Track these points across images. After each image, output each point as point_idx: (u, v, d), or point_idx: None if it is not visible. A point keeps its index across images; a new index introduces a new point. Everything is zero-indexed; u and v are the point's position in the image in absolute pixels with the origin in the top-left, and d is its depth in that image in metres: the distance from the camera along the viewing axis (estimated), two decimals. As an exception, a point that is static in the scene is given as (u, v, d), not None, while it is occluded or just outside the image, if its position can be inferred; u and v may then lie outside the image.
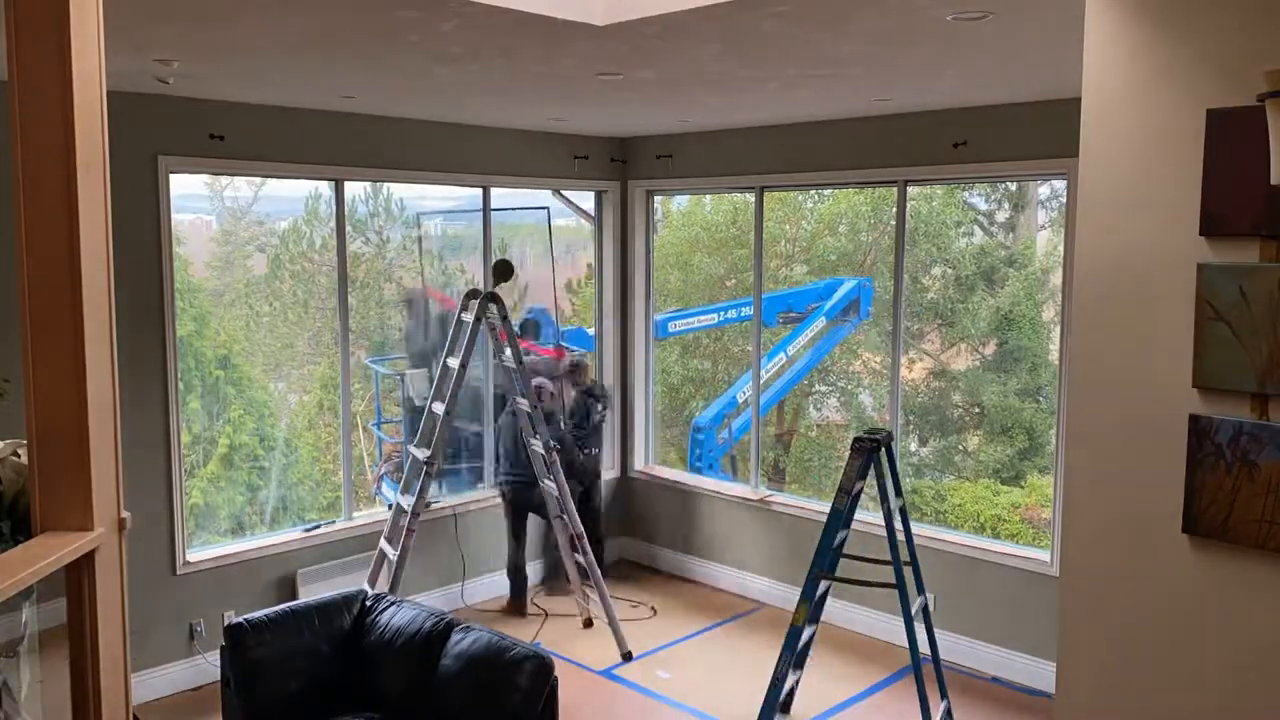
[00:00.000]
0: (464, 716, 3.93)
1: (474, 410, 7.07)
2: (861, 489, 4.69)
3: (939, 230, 9.81)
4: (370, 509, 6.92)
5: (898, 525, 4.66)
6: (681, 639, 6.15)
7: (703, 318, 9.13)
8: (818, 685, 5.53)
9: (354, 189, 10.41)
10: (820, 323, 9.12)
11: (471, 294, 5.86)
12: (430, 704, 4.01)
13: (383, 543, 5.83)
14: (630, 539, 7.58)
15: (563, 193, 7.41)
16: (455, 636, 4.10)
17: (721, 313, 9.20)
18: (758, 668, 5.76)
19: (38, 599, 2.08)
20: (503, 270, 6.21)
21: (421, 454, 5.70)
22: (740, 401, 8.79)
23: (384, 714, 4.10)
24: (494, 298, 5.72)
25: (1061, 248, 6.12)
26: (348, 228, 6.27)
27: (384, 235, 11.68)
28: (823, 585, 4.76)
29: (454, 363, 5.71)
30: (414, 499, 5.57)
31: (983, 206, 10.64)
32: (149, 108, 5.07)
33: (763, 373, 7.17)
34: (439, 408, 5.69)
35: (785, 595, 6.59)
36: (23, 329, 1.84)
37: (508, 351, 5.83)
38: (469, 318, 5.78)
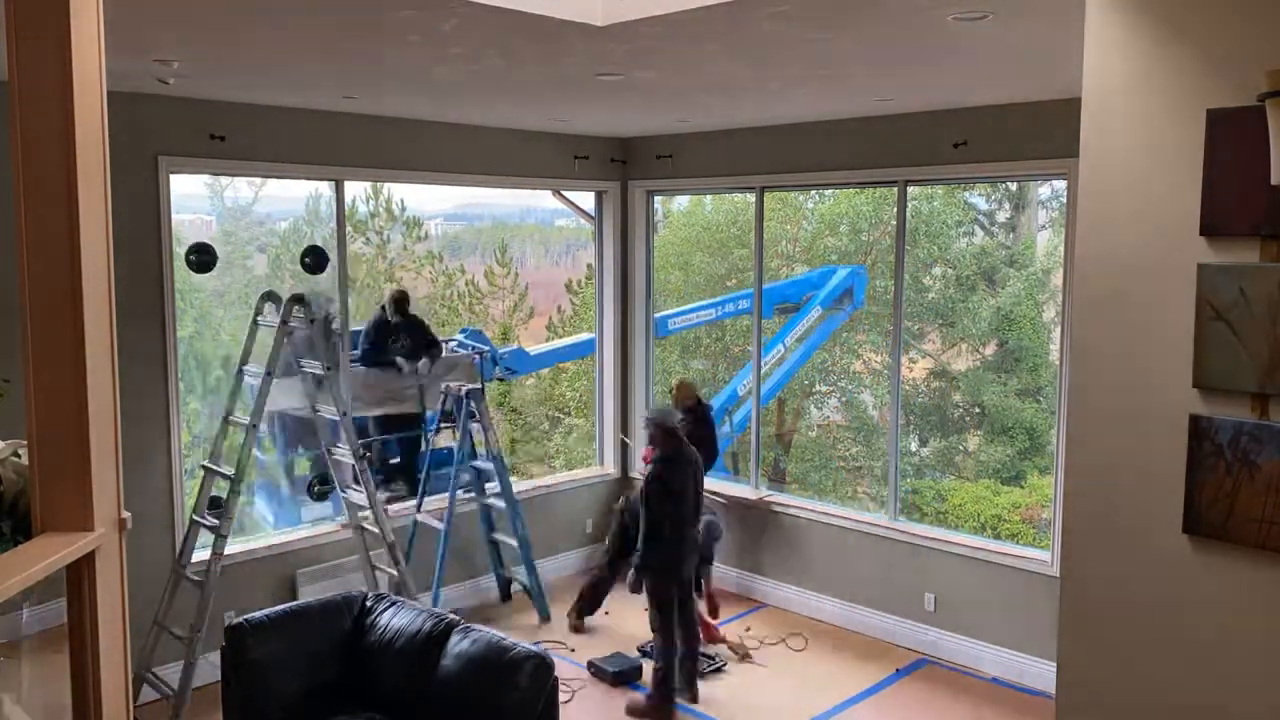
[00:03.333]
0: (464, 716, 3.93)
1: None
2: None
3: (939, 230, 9.80)
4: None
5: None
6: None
7: (702, 313, 9.13)
8: (818, 685, 5.53)
9: (354, 189, 10.42)
10: (815, 312, 9.13)
11: (267, 295, 5.51)
12: (430, 704, 4.01)
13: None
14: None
15: (563, 193, 7.41)
16: (455, 637, 4.10)
17: (719, 307, 9.19)
18: (757, 667, 5.76)
19: (38, 599, 2.08)
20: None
21: (226, 471, 5.21)
22: (741, 395, 8.79)
23: (384, 714, 4.09)
24: (299, 299, 5.29)
25: (1061, 248, 6.12)
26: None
27: (385, 236, 11.69)
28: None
29: (256, 369, 5.32)
30: (220, 520, 5.10)
31: (983, 206, 10.63)
32: (149, 108, 5.07)
33: (761, 364, 7.16)
34: (243, 419, 5.28)
35: (785, 595, 6.59)
36: (23, 329, 1.84)
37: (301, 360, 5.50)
38: (264, 321, 5.43)
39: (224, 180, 10.68)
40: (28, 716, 2.24)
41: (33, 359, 1.84)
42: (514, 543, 6.37)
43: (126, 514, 1.96)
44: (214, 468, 5.29)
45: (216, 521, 5.11)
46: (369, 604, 4.43)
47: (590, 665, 5.68)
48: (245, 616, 4.19)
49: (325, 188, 6.35)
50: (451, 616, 4.28)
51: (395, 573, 5.59)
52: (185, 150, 5.25)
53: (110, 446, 1.92)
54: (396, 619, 4.28)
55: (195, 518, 5.27)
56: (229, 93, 5.12)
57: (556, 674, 3.95)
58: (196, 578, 5.11)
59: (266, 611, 4.27)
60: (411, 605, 4.40)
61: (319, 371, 5.42)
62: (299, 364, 5.51)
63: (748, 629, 6.24)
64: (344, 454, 5.55)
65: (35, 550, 1.78)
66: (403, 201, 11.34)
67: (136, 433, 5.11)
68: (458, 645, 4.06)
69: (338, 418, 5.46)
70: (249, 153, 5.47)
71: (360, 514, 5.75)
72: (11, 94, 1.81)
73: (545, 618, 6.37)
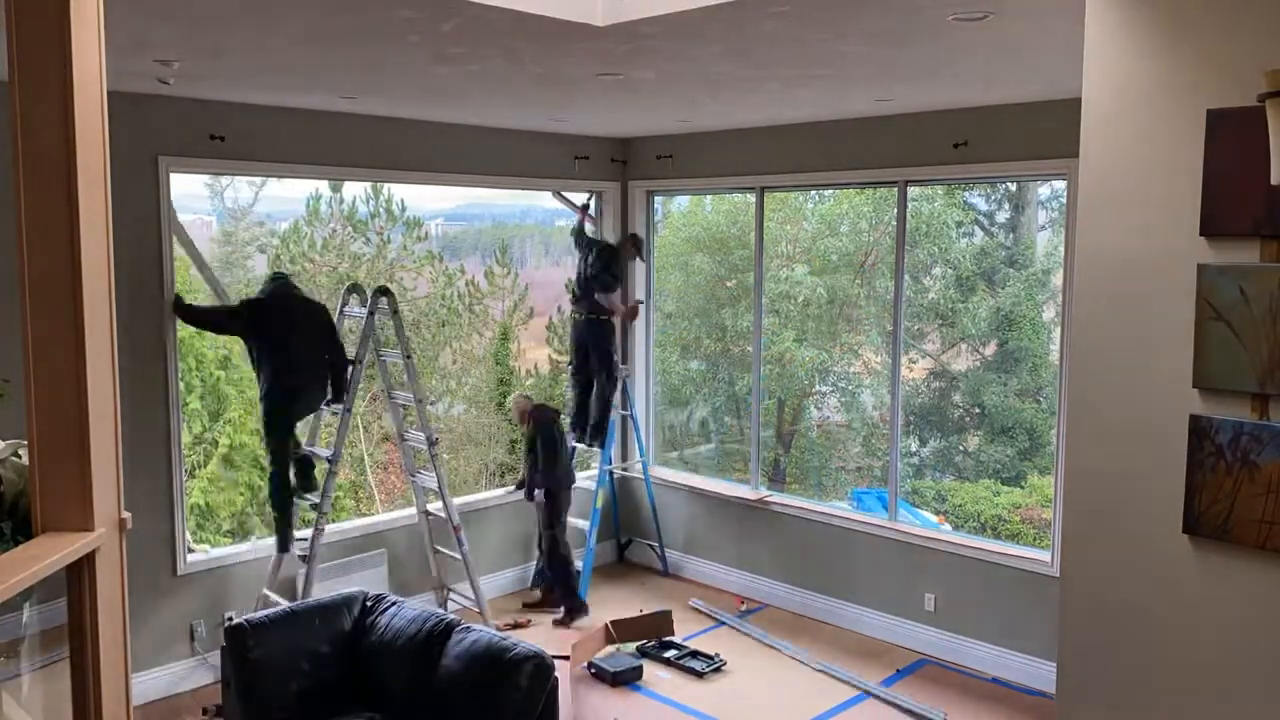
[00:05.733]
0: (464, 716, 3.93)
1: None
2: None
3: (940, 230, 9.80)
4: (372, 512, 6.92)
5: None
6: (682, 639, 6.14)
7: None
8: (818, 685, 5.53)
9: (354, 189, 10.41)
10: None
11: (353, 288, 5.97)
12: (430, 704, 4.01)
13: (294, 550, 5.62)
14: (630, 539, 7.58)
15: (563, 193, 7.41)
16: (455, 637, 4.10)
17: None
18: (759, 667, 5.76)
19: (38, 599, 2.08)
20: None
21: (324, 453, 5.66)
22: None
23: (384, 714, 4.09)
24: (385, 291, 5.71)
25: (1061, 248, 6.12)
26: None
27: (385, 236, 11.69)
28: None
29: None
30: (321, 499, 5.52)
31: (983, 207, 10.63)
32: (149, 108, 5.07)
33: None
34: (335, 405, 5.65)
35: (787, 595, 6.59)
36: (23, 329, 1.84)
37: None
38: (351, 312, 5.87)
39: (224, 180, 10.67)
40: (28, 716, 2.24)
41: (33, 359, 1.84)
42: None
43: (126, 514, 1.96)
44: (311, 451, 5.69)
45: (317, 500, 5.49)
46: (369, 604, 4.43)
47: (590, 665, 5.68)
48: (245, 616, 4.19)
49: (325, 188, 6.36)
50: (452, 617, 4.28)
51: (459, 556, 5.91)
52: (185, 150, 5.25)
53: (110, 446, 1.92)
54: (396, 619, 4.28)
55: (296, 499, 5.60)
56: (229, 93, 5.12)
57: (556, 674, 3.95)
58: (301, 553, 5.49)
59: (266, 611, 4.27)
60: (412, 605, 4.40)
61: (399, 360, 5.74)
62: (379, 353, 5.83)
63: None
64: (417, 440, 5.82)
65: (35, 550, 1.78)
66: (403, 202, 11.33)
67: (136, 433, 5.11)
68: (458, 645, 4.06)
69: (415, 403, 5.75)
70: (249, 153, 5.47)
71: (428, 500, 6.10)
72: (11, 94, 1.81)
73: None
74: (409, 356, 5.74)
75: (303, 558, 5.49)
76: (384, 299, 5.67)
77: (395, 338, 5.75)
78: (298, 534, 5.63)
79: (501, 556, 6.90)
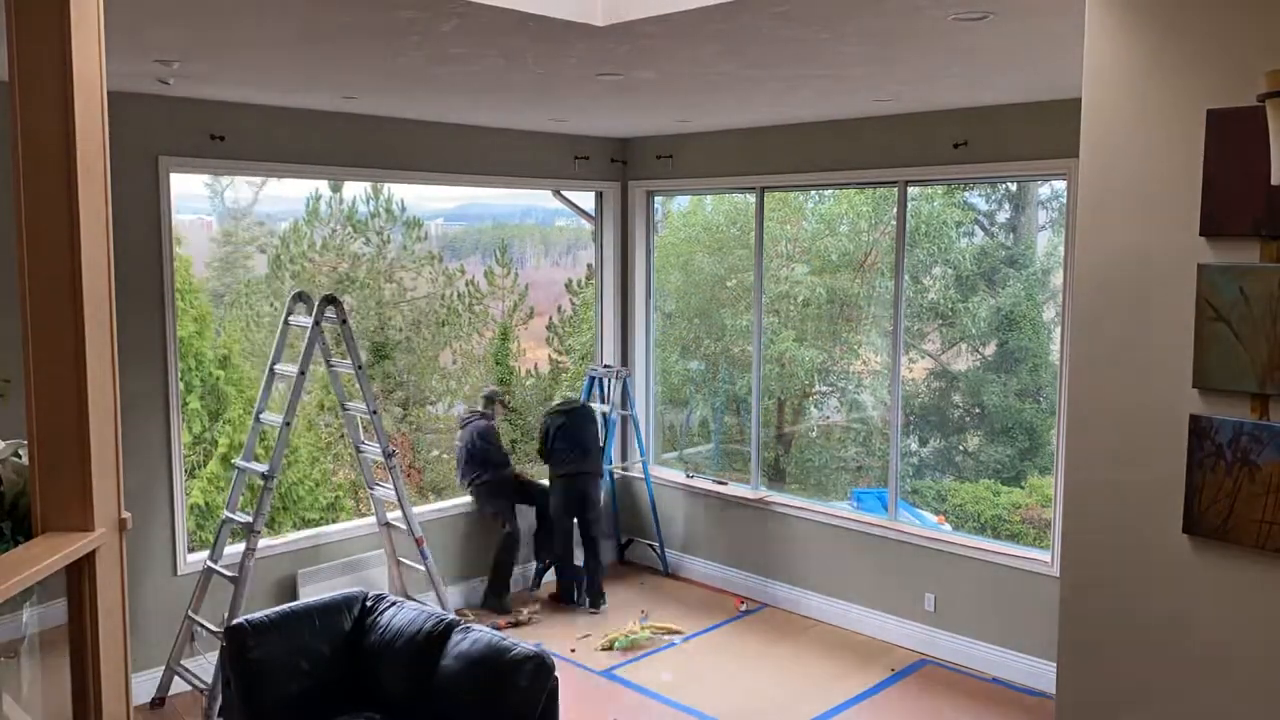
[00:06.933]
0: (464, 716, 3.93)
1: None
2: None
3: (939, 230, 9.80)
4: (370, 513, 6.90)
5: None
6: (683, 639, 6.15)
7: None
8: (818, 685, 5.53)
9: (354, 189, 10.41)
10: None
11: (299, 296, 5.58)
12: (430, 704, 4.01)
13: (210, 563, 5.33)
14: (631, 539, 7.58)
15: (563, 193, 7.41)
16: (455, 637, 4.10)
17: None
18: (760, 667, 5.76)
19: (38, 599, 2.08)
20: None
21: (259, 468, 5.33)
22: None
23: (384, 714, 4.09)
24: (331, 300, 5.42)
25: (1061, 248, 6.12)
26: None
27: (385, 236, 11.69)
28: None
29: (289, 369, 5.42)
30: (254, 517, 5.18)
31: (983, 207, 10.63)
32: (149, 108, 5.07)
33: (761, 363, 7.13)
34: (274, 418, 5.39)
35: (787, 595, 6.59)
36: (23, 329, 1.84)
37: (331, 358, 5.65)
38: (296, 321, 5.51)
39: (224, 180, 10.67)
40: (28, 716, 2.24)
41: (33, 359, 1.84)
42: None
43: (126, 514, 1.96)
44: (247, 465, 5.40)
45: (249, 518, 5.19)
46: (369, 604, 4.43)
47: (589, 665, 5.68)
48: (245, 616, 4.20)
49: (325, 187, 6.34)
50: (452, 616, 4.28)
51: (422, 568, 5.71)
52: (185, 150, 5.25)
53: (110, 446, 1.92)
54: (396, 619, 4.28)
55: (227, 514, 5.37)
56: (229, 93, 5.12)
57: (556, 674, 3.95)
58: (230, 574, 5.16)
59: (266, 611, 4.27)
60: (412, 605, 4.40)
61: (350, 370, 5.55)
62: (329, 363, 5.63)
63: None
64: (373, 452, 5.65)
65: (35, 550, 1.78)
66: (403, 201, 11.34)
67: (136, 433, 5.11)
68: (458, 645, 4.05)
69: (368, 415, 5.57)
70: (249, 153, 5.47)
71: (388, 512, 5.91)
72: (12, 94, 1.81)
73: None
74: (360, 367, 5.56)
75: (231, 579, 5.13)
76: (331, 308, 5.36)
77: (346, 348, 5.50)
78: (228, 548, 5.41)
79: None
